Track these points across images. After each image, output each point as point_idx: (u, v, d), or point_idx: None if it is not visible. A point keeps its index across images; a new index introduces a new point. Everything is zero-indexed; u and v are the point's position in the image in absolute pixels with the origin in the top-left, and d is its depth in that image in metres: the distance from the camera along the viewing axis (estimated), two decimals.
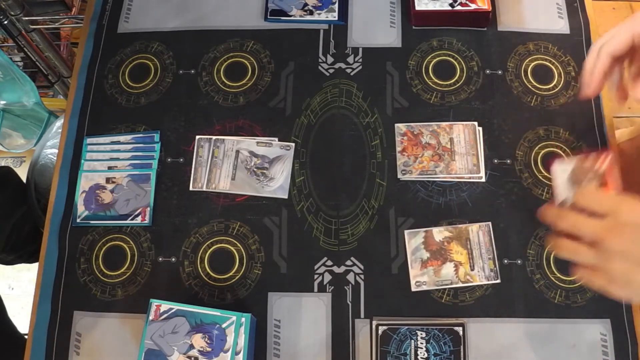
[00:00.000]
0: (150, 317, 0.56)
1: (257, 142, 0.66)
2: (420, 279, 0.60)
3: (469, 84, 0.68)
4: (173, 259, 0.62)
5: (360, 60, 0.69)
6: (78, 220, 0.64)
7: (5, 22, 1.04)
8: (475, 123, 0.65)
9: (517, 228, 0.62)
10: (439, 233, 0.62)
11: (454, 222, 0.62)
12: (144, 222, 0.63)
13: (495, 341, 0.58)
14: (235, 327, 0.55)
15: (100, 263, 0.63)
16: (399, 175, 0.63)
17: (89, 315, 0.61)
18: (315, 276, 0.61)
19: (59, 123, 1.02)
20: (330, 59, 0.70)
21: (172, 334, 0.55)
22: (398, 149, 0.64)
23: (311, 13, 0.72)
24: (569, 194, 0.55)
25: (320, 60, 0.69)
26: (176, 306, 0.56)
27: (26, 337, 0.61)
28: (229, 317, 0.55)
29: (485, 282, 0.60)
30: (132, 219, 0.64)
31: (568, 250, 0.48)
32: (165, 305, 0.56)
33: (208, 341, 0.55)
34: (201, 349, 0.54)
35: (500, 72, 0.68)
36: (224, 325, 0.55)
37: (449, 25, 0.70)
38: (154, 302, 0.56)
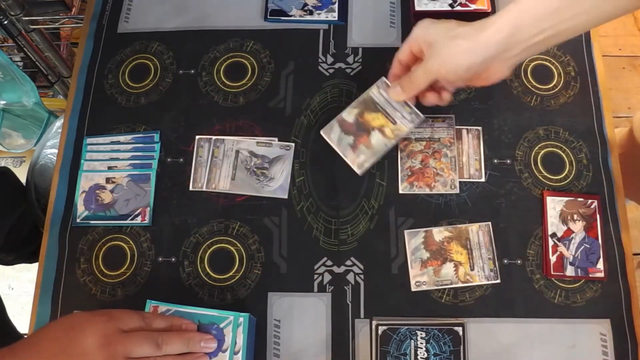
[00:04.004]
0: None
1: (257, 142, 0.66)
2: (420, 279, 0.60)
3: None
4: (173, 259, 0.62)
5: (360, 60, 0.69)
6: (78, 220, 0.64)
7: (5, 22, 1.04)
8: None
9: (517, 228, 0.62)
10: (439, 233, 0.62)
11: (453, 222, 0.62)
12: (143, 222, 0.63)
13: (495, 341, 0.58)
14: (233, 327, 0.55)
15: (100, 263, 0.63)
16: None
17: None
18: (315, 276, 0.61)
19: (58, 123, 1.02)
20: (330, 59, 0.70)
21: None
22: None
23: (311, 13, 0.72)
24: (557, 229, 0.61)
25: (320, 60, 0.69)
26: (173, 307, 0.56)
27: (26, 337, 0.61)
28: (227, 316, 0.55)
29: (485, 282, 0.60)
30: (132, 219, 0.64)
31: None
32: (162, 307, 0.55)
33: None
34: None
35: None
36: (222, 325, 0.55)
37: None
38: (151, 303, 0.56)
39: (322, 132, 0.62)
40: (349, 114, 0.62)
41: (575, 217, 0.61)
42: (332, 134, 0.62)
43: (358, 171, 0.61)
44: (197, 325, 0.55)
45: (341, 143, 0.61)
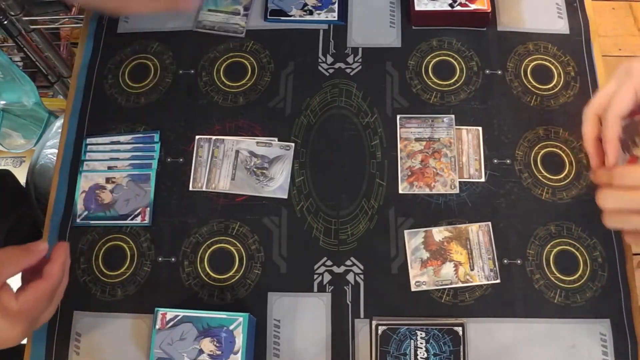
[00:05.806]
0: (157, 326, 0.56)
1: (257, 142, 0.66)
2: (420, 279, 0.60)
3: (468, 84, 0.68)
4: (173, 259, 0.62)
5: (360, 60, 0.69)
6: (78, 221, 0.64)
7: (5, 22, 1.04)
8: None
9: (517, 228, 0.62)
10: (439, 233, 0.62)
11: (453, 222, 0.62)
12: (143, 222, 0.63)
13: (495, 341, 0.58)
14: (243, 328, 0.55)
15: (100, 263, 0.63)
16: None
17: (89, 315, 0.61)
18: (315, 276, 0.61)
19: (58, 123, 1.03)
20: (330, 59, 0.70)
21: (181, 341, 0.55)
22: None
23: (311, 13, 0.72)
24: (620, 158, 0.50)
25: (320, 60, 0.69)
26: (182, 312, 0.56)
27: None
28: (236, 318, 0.55)
29: (485, 282, 0.60)
30: (131, 219, 0.64)
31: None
32: (171, 313, 0.56)
33: (217, 344, 0.55)
34: (211, 353, 0.55)
35: (499, 72, 0.68)
36: (231, 327, 0.55)
37: (448, 26, 0.70)
38: (160, 311, 0.56)
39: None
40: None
41: None
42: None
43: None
44: (207, 329, 0.55)
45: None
